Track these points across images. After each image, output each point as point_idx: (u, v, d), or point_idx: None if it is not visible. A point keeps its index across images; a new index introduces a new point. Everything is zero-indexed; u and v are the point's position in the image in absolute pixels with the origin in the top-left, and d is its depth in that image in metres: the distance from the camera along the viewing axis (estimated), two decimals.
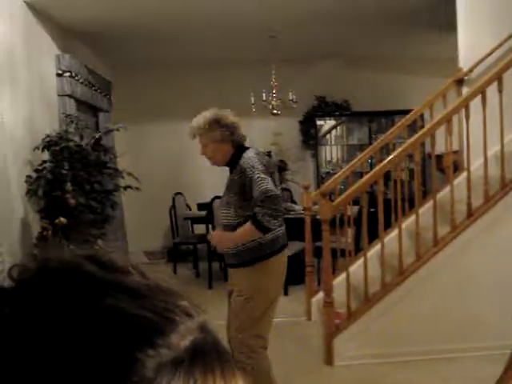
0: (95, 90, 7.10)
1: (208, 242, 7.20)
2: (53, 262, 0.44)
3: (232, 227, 3.28)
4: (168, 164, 9.18)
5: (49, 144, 5.26)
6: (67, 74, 6.19)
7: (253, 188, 3.16)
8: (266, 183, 3.14)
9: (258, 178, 3.15)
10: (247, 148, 3.39)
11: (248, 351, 3.28)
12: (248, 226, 3.17)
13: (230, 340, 3.33)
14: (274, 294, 3.38)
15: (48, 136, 5.30)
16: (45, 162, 5.20)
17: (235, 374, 0.44)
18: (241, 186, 3.24)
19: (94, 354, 0.38)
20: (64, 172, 5.08)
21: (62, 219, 4.80)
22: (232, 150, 3.37)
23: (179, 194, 8.61)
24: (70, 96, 6.21)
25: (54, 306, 0.41)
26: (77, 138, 5.43)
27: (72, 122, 5.60)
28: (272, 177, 3.25)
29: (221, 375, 0.42)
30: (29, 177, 5.09)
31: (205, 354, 0.42)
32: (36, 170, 5.14)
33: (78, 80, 6.41)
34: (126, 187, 5.62)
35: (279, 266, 3.37)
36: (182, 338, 0.41)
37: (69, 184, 5.02)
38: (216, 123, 3.36)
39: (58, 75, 6.15)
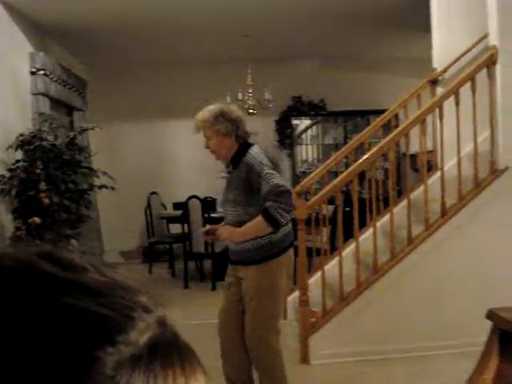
0: (70, 89, 7.04)
1: (186, 240, 7.18)
2: (7, 260, 0.43)
3: (243, 224, 3.25)
4: (143, 163, 9.14)
5: (22, 143, 5.20)
6: (41, 72, 6.13)
7: (262, 184, 3.16)
8: (276, 178, 3.17)
9: (267, 173, 3.17)
10: (252, 144, 3.38)
11: (266, 347, 3.30)
12: (260, 219, 3.16)
13: (245, 338, 3.34)
14: (284, 289, 3.42)
15: (21, 135, 5.24)
16: (18, 161, 5.14)
17: (196, 369, 0.44)
18: (247, 182, 3.23)
19: (52, 354, 0.38)
20: (38, 171, 5.03)
21: (36, 219, 4.75)
22: (236, 145, 3.35)
23: (155, 193, 8.58)
24: (43, 94, 6.15)
25: (9, 305, 0.40)
26: (51, 137, 5.38)
27: (46, 120, 5.54)
28: (278, 172, 3.28)
29: (181, 370, 0.42)
30: (2, 176, 5.03)
31: (164, 349, 0.42)
32: (9, 170, 5.09)
33: (52, 78, 6.36)
34: (101, 186, 5.58)
35: (288, 259, 3.38)
36: (140, 335, 0.41)
37: (43, 183, 4.98)
38: (221, 116, 3.33)
39: (32, 73, 6.09)
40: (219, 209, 6.71)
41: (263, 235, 3.23)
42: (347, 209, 5.11)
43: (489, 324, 2.13)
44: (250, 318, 3.33)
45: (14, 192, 4.91)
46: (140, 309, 0.43)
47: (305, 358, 4.46)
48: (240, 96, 7.72)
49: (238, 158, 3.32)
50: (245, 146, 3.36)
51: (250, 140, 3.44)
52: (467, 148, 4.74)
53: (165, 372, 0.41)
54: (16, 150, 5.19)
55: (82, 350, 0.38)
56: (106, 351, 0.39)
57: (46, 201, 4.89)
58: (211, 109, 3.38)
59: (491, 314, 1.97)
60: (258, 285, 3.29)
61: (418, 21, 6.22)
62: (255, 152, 3.29)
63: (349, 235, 5.00)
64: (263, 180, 3.16)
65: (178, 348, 0.44)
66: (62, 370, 0.37)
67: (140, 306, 0.43)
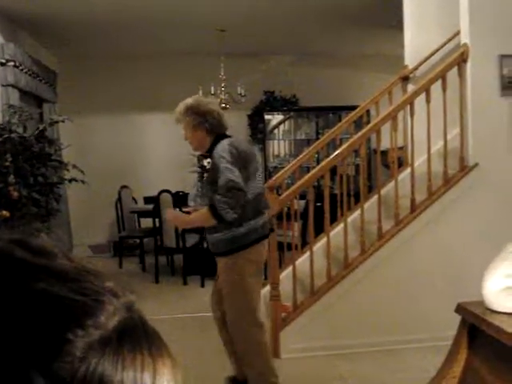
0: (40, 81, 6.96)
1: (157, 234, 7.15)
2: None
3: None
4: (114, 157, 9.06)
5: None
6: (11, 63, 6.04)
7: (219, 177, 3.19)
8: (231, 174, 3.16)
9: (224, 167, 3.18)
10: (226, 137, 3.42)
11: (248, 339, 3.41)
12: (204, 211, 3.22)
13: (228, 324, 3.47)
14: (256, 285, 3.46)
15: None
16: None
17: (163, 353, 0.45)
18: (213, 174, 3.28)
19: (25, 336, 0.39)
20: (7, 164, 4.96)
21: (5, 212, 4.68)
22: (208, 138, 3.42)
23: (125, 187, 8.51)
24: (13, 86, 6.06)
25: None
26: (20, 130, 5.30)
27: (15, 112, 5.46)
28: (248, 168, 3.28)
29: (149, 353, 0.43)
30: None
31: (132, 332, 0.44)
32: None
33: (22, 70, 6.27)
34: (71, 180, 5.52)
35: (260, 256, 3.41)
36: (109, 318, 0.43)
37: (12, 176, 4.91)
38: (190, 109, 3.42)
39: (2, 64, 6.00)
40: (191, 203, 6.70)
41: (228, 228, 3.27)
42: (318, 204, 5.14)
43: (457, 319, 2.16)
44: (228, 312, 3.42)
45: None
46: (109, 293, 0.44)
47: (275, 352, 4.47)
48: (213, 90, 7.70)
49: (211, 151, 3.38)
50: (218, 138, 3.39)
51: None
52: (437, 145, 4.79)
53: (133, 354, 0.42)
54: None
55: (54, 333, 0.40)
56: (77, 334, 0.40)
57: (15, 194, 4.83)
58: (186, 102, 3.46)
59: (460, 308, 2.00)
60: (228, 278, 3.36)
61: (391, 18, 6.26)
62: (222, 145, 3.31)
63: (320, 230, 5.03)
64: (220, 173, 3.19)
65: (146, 332, 0.45)
66: (34, 351, 0.39)
67: (108, 291, 0.45)
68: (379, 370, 4.15)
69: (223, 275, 3.40)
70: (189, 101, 3.46)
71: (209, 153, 3.42)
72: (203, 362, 4.34)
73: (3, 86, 5.98)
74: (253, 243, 3.34)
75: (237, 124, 9.29)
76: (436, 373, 2.00)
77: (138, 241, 8.33)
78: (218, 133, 3.42)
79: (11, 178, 4.90)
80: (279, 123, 9.58)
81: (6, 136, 5.10)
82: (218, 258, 3.45)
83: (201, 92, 7.63)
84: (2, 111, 5.81)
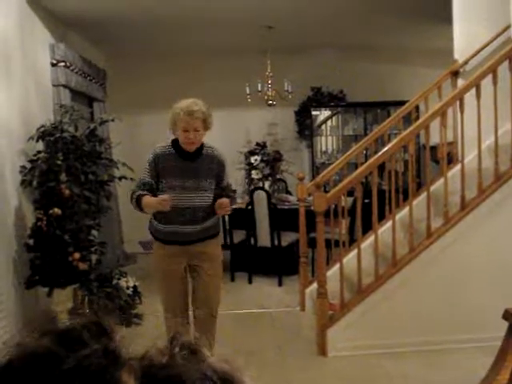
0: (90, 80, 7.08)
1: None
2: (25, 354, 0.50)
3: (209, 208, 3.73)
4: None
5: (43, 134, 5.23)
6: (62, 63, 6.16)
7: (224, 175, 3.84)
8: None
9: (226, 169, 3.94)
10: None
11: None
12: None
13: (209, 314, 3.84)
14: None
15: (43, 126, 5.28)
16: (39, 152, 5.18)
17: None
18: (218, 172, 3.79)
19: None
20: (58, 162, 5.06)
21: (57, 210, 4.79)
22: None
23: None
24: (64, 86, 6.18)
25: None
26: (71, 129, 5.41)
27: (67, 112, 5.57)
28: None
29: None
30: (23, 167, 5.08)
31: None
32: (30, 161, 5.13)
33: (72, 70, 6.39)
34: (121, 178, 5.61)
35: None
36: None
37: (63, 174, 5.01)
38: (209, 110, 3.75)
39: (53, 65, 6.12)
40: (239, 200, 6.65)
41: (214, 214, 3.81)
42: (366, 201, 5.10)
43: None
44: (215, 293, 3.87)
45: (34, 183, 4.94)
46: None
47: (322, 350, 4.47)
48: (259, 87, 7.71)
49: (200, 149, 3.76)
50: None
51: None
52: (488, 141, 4.69)
53: None
54: (37, 141, 5.23)
55: None
56: None
57: (67, 192, 4.92)
58: (202, 103, 3.73)
59: (507, 314, 1.95)
60: (219, 259, 3.94)
61: (440, 11, 6.15)
62: (216, 148, 3.88)
63: (367, 227, 4.99)
64: (225, 173, 3.85)
65: None
66: None
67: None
68: (426, 370, 4.11)
69: (216, 257, 3.86)
70: (203, 103, 3.74)
71: (197, 151, 3.75)
72: (255, 356, 4.36)
73: (54, 86, 6.11)
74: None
75: (284, 120, 9.31)
76: (482, 379, 1.97)
77: None
78: None
79: (63, 177, 5.00)
80: (326, 119, 9.52)
81: (58, 135, 5.20)
82: (207, 242, 3.81)
83: (248, 89, 7.65)
84: (53, 111, 5.94)
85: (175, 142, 3.80)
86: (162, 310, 3.93)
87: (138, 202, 3.67)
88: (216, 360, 0.52)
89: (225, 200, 3.66)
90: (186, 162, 3.73)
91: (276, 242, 6.68)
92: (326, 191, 4.99)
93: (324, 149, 9.54)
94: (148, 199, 3.62)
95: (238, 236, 7.03)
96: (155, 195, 3.67)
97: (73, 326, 0.52)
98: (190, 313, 3.90)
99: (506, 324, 2.14)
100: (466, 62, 5.47)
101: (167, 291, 3.83)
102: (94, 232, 5.53)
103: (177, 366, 0.50)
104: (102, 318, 0.53)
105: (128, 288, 5.76)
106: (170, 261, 3.79)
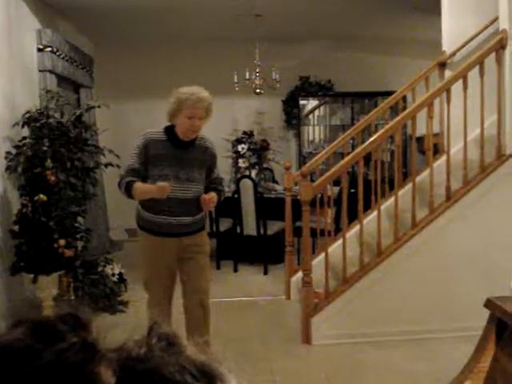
0: (77, 66, 7.02)
1: None
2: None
3: (196, 199, 3.63)
4: None
5: (29, 120, 5.20)
6: (48, 49, 6.10)
7: (214, 166, 3.83)
8: None
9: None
10: None
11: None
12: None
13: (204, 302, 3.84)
14: None
15: (28, 112, 5.24)
16: (25, 138, 5.14)
17: None
18: (209, 163, 3.77)
19: None
20: (44, 148, 5.03)
21: (42, 196, 4.76)
22: None
23: None
24: (50, 71, 6.13)
25: None
26: (57, 115, 5.37)
27: (53, 98, 5.53)
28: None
29: None
30: (8, 153, 5.04)
31: None
32: (16, 147, 5.09)
33: (59, 55, 6.33)
34: (107, 164, 5.58)
35: None
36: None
37: (49, 161, 4.98)
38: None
39: (39, 50, 6.07)
40: (226, 188, 6.60)
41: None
42: (352, 190, 5.11)
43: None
44: (204, 281, 3.83)
45: (20, 169, 4.92)
46: None
47: (306, 338, 4.50)
48: (247, 75, 7.69)
49: (193, 139, 3.67)
50: None
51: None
52: (474, 132, 4.72)
53: None
54: (23, 127, 5.19)
55: None
56: None
57: (53, 178, 4.90)
58: (206, 92, 3.68)
59: (489, 303, 1.98)
60: (207, 249, 3.89)
61: (428, 3, 6.15)
62: (208, 138, 3.82)
63: (353, 217, 5.01)
64: (216, 166, 3.85)
65: None
66: None
67: None
68: (409, 359, 4.14)
69: (206, 248, 3.83)
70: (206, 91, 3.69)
71: (192, 140, 3.67)
72: (239, 344, 4.38)
73: (41, 71, 6.05)
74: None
75: (271, 109, 9.30)
76: (463, 367, 1.99)
77: None
78: None
79: (48, 163, 4.97)
80: (314, 109, 9.53)
81: (44, 121, 5.17)
82: (197, 234, 3.76)
83: (236, 77, 7.63)
84: (39, 96, 5.89)
85: (169, 130, 3.68)
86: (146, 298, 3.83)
87: (128, 189, 3.54)
88: (194, 351, 0.51)
89: (207, 196, 3.60)
90: (180, 150, 3.61)
91: (262, 231, 6.69)
92: (312, 180, 5.00)
93: (311, 138, 9.56)
94: (146, 186, 3.52)
95: (224, 224, 7.03)
96: (144, 182, 3.59)
97: (49, 317, 0.51)
98: (179, 306, 3.83)
99: (488, 313, 2.16)
100: (453, 54, 5.48)
101: (155, 283, 3.71)
102: (80, 219, 5.51)
103: (154, 358, 0.49)
104: (79, 309, 0.52)
105: (113, 275, 5.76)
106: (160, 252, 3.67)
